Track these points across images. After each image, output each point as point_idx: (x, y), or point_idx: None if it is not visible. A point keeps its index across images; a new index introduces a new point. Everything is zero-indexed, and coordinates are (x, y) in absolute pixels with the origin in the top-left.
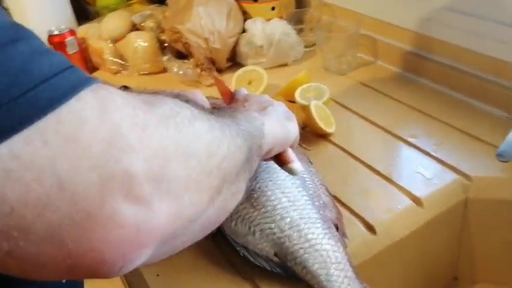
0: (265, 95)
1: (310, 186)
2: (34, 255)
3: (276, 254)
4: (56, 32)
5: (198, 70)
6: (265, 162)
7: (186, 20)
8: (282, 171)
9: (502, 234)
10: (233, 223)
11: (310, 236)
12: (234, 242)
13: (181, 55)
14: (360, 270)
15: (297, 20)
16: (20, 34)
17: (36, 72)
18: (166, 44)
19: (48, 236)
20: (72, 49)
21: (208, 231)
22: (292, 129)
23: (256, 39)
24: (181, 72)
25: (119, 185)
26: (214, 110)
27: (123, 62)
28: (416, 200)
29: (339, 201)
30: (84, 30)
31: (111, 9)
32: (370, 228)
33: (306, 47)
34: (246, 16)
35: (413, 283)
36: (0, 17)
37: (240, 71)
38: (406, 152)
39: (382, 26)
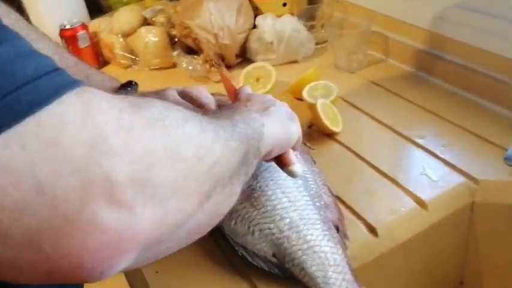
0: (269, 95)
1: (312, 186)
2: (10, 260)
3: (274, 255)
4: (67, 26)
5: (207, 66)
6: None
7: (195, 16)
8: None
9: (509, 239)
10: (233, 222)
11: (309, 237)
12: (233, 241)
13: (192, 50)
14: (360, 272)
15: (308, 16)
16: (3, 36)
17: (19, 74)
18: (176, 39)
19: (26, 240)
20: (83, 43)
21: (199, 235)
22: (294, 131)
23: (266, 36)
24: (190, 67)
25: (100, 190)
26: (216, 108)
27: (134, 57)
28: (421, 203)
29: (342, 201)
30: (96, 24)
31: (124, 4)
32: (372, 230)
33: (317, 43)
34: (257, 12)
35: (417, 287)
36: None
37: (249, 67)
38: (414, 153)
39: (394, 23)
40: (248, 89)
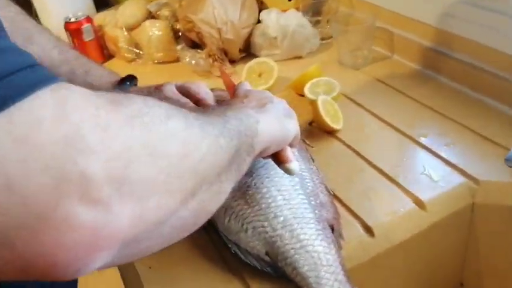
0: (267, 92)
1: (309, 184)
2: None
3: (267, 253)
4: (72, 19)
5: (210, 60)
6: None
7: (199, 10)
8: None
9: (509, 240)
10: (226, 219)
11: (302, 236)
12: (227, 238)
13: (195, 45)
14: (355, 273)
15: (314, 11)
16: None
17: None
18: (180, 34)
19: None
20: (88, 36)
21: (186, 233)
22: (291, 128)
23: (270, 31)
24: (193, 62)
25: (75, 188)
26: (215, 103)
27: (138, 51)
28: (420, 203)
29: (339, 200)
30: (101, 17)
31: None
32: (368, 230)
33: (322, 39)
34: (262, 6)
35: None
36: None
37: (252, 62)
38: (415, 152)
39: (400, 19)
40: (247, 85)
